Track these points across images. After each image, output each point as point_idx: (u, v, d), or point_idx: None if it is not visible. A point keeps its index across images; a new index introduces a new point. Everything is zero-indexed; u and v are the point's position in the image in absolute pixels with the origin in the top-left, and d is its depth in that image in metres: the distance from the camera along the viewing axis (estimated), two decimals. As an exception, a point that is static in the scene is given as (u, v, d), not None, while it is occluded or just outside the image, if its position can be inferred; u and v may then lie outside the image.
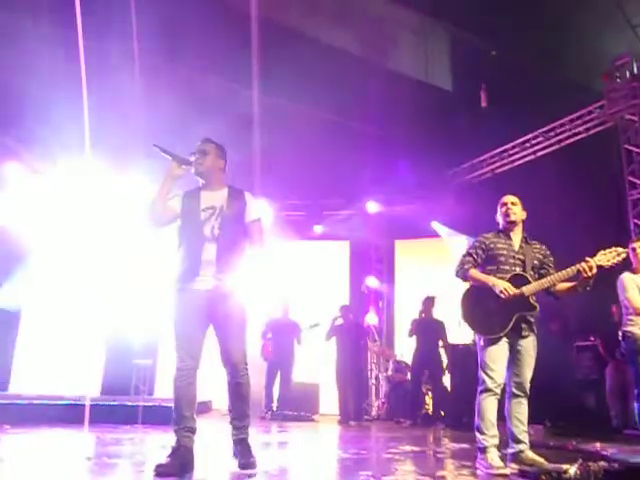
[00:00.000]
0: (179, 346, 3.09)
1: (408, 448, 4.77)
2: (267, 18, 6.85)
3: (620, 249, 3.44)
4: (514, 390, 3.51)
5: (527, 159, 8.83)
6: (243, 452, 3.15)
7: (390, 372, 9.41)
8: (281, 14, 7.00)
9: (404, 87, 7.66)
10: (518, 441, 3.46)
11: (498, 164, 9.28)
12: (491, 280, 3.53)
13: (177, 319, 3.12)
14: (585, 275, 3.32)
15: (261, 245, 3.37)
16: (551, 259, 3.71)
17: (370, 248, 10.95)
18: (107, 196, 9.03)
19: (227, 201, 3.25)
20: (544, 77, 7.52)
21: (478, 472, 3.31)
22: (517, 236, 3.73)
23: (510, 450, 3.48)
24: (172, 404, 3.08)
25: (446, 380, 7.98)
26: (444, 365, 7.85)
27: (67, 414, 5.79)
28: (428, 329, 7.71)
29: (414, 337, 7.88)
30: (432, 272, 9.74)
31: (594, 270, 3.31)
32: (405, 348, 9.25)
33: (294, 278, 10.68)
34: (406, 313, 10.04)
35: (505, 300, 3.46)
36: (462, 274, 3.66)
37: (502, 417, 3.58)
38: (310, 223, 10.93)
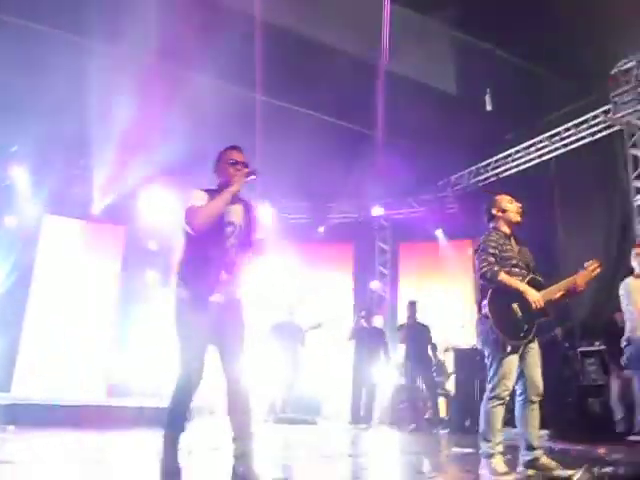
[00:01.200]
0: (190, 363, 2.90)
1: (412, 451, 4.76)
2: (267, 20, 6.87)
3: (592, 266, 3.47)
4: (532, 397, 3.43)
5: (532, 163, 8.81)
6: (247, 466, 2.88)
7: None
8: (282, 16, 7.01)
9: (408, 90, 7.66)
10: (533, 448, 3.40)
11: (503, 168, 9.28)
12: (522, 287, 3.44)
13: (188, 336, 2.91)
14: (578, 289, 3.46)
15: (262, 259, 3.24)
16: (534, 263, 3.68)
17: (374, 252, 10.94)
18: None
19: (243, 219, 3.13)
20: (549, 81, 7.51)
21: (483, 478, 3.26)
22: (512, 239, 3.67)
23: (526, 457, 3.42)
24: (170, 410, 2.92)
25: (450, 384, 7.97)
26: (442, 368, 7.86)
27: (72, 416, 5.80)
28: (415, 334, 7.74)
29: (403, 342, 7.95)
30: (435, 276, 9.74)
31: (582, 288, 3.45)
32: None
33: (298, 281, 10.70)
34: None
35: (528, 306, 3.40)
36: (492, 275, 3.42)
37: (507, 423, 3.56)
38: (314, 226, 10.93)
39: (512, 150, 9.03)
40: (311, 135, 8.27)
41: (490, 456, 3.29)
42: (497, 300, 3.46)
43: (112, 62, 7.46)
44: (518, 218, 3.65)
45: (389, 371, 9.42)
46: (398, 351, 8.32)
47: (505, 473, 3.23)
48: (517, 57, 7.36)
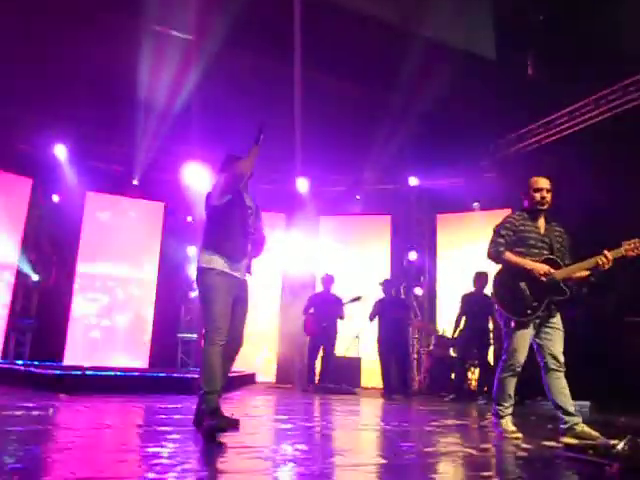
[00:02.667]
0: (220, 323, 3.30)
1: (450, 422, 4.77)
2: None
3: (631, 245, 3.44)
4: (552, 366, 3.54)
5: (575, 129, 8.47)
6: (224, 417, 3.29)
7: (431, 347, 9.38)
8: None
9: (446, 57, 7.45)
10: (570, 414, 3.47)
11: (544, 135, 8.96)
12: (529, 263, 3.59)
13: (217, 301, 3.32)
14: (602, 268, 3.44)
15: (261, 254, 3.70)
16: (567, 244, 3.76)
17: (411, 222, 10.83)
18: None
19: (254, 208, 3.63)
20: (594, 42, 7.17)
21: (492, 434, 3.72)
22: (541, 218, 3.77)
23: (564, 425, 3.50)
24: (205, 371, 3.27)
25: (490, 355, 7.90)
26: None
27: (117, 384, 6.02)
28: (478, 305, 7.59)
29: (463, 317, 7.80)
30: (474, 246, 9.58)
31: (610, 264, 3.43)
32: (446, 323, 9.19)
33: (335, 253, 10.72)
34: (447, 288, 9.96)
35: (538, 283, 3.53)
36: (496, 255, 3.68)
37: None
38: (351, 198, 10.88)
39: (555, 115, 8.69)
40: (347, 105, 8.18)
41: (501, 417, 3.67)
42: (503, 278, 3.72)
43: (155, 42, 7.52)
44: (539, 207, 3.72)
45: (427, 341, 9.42)
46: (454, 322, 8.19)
47: (513, 432, 3.59)
48: (560, 17, 7.04)
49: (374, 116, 8.78)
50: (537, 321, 3.60)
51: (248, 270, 3.57)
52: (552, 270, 3.55)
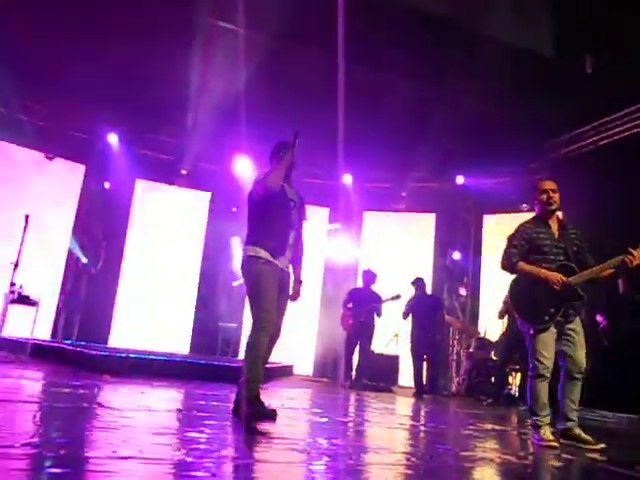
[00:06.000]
0: (268, 313, 3.36)
1: (489, 426, 4.68)
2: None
3: None
4: (572, 372, 3.57)
5: (632, 132, 8.10)
6: (263, 407, 3.37)
7: (472, 349, 9.22)
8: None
9: (500, 54, 7.27)
10: (568, 419, 3.58)
11: (601, 136, 8.62)
12: (542, 272, 3.60)
13: (266, 289, 3.40)
14: (629, 266, 3.39)
15: (303, 242, 3.82)
16: (586, 244, 3.74)
17: (457, 222, 10.65)
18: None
19: (298, 200, 3.72)
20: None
21: (532, 444, 3.60)
22: (555, 223, 3.77)
23: (560, 426, 3.61)
24: (250, 361, 3.33)
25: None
26: None
27: (160, 369, 6.17)
28: None
29: (505, 317, 7.67)
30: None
31: (637, 262, 3.38)
32: (489, 325, 9.02)
33: (378, 249, 10.67)
34: (491, 290, 9.76)
35: (553, 290, 3.53)
36: (510, 267, 3.73)
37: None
38: (396, 194, 10.80)
39: (614, 116, 8.33)
40: (396, 102, 8.09)
41: (538, 427, 3.57)
42: (519, 287, 3.75)
43: (206, 36, 7.64)
44: (548, 208, 3.73)
45: (467, 343, 9.27)
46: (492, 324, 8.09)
47: (550, 440, 3.50)
48: (622, 12, 6.74)
49: (422, 113, 8.66)
50: (556, 327, 3.60)
51: (297, 277, 3.72)
52: (564, 278, 3.53)
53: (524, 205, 9.59)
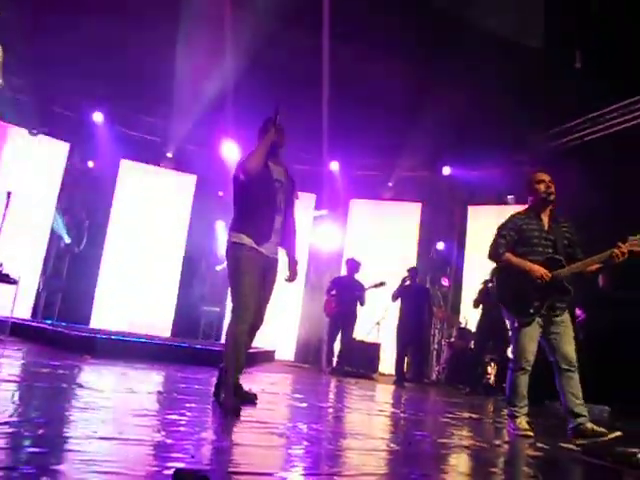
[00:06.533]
0: (246, 302, 3.29)
1: (466, 415, 4.75)
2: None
3: None
4: (562, 365, 3.50)
5: (623, 126, 8.13)
6: (241, 390, 3.48)
7: (453, 338, 9.34)
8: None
9: (488, 44, 7.27)
10: (576, 415, 3.41)
11: (590, 131, 8.66)
12: (527, 265, 3.59)
13: (246, 276, 3.31)
14: (617, 260, 3.34)
15: (294, 220, 3.71)
16: (577, 237, 3.72)
17: (442, 212, 10.70)
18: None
19: (286, 178, 3.59)
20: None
21: (507, 433, 3.65)
22: (546, 216, 3.75)
23: (570, 425, 3.46)
24: (229, 349, 3.31)
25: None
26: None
27: (141, 351, 6.16)
28: (492, 298, 7.53)
29: (479, 306, 7.77)
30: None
31: (626, 256, 3.34)
32: (470, 315, 9.12)
33: (364, 237, 10.70)
34: (474, 281, 9.85)
35: (540, 283, 3.51)
36: (496, 257, 3.69)
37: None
38: (383, 183, 10.80)
39: (604, 110, 8.36)
40: (384, 89, 8.06)
41: (515, 417, 3.60)
42: (504, 278, 3.74)
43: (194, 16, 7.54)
44: (546, 197, 3.69)
45: (448, 332, 9.38)
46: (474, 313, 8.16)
47: (526, 430, 3.53)
48: (612, 9, 6.78)
49: (410, 102, 8.65)
50: (541, 320, 3.57)
51: (292, 258, 3.63)
52: (549, 272, 3.51)
53: (510, 197, 9.67)
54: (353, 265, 8.45)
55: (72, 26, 7.53)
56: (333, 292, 8.30)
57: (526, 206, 3.87)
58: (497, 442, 3.37)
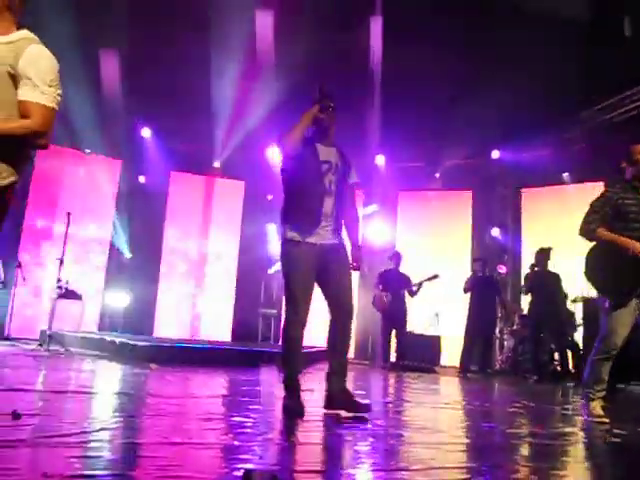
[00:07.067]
0: (299, 299, 3.08)
1: (535, 403, 4.62)
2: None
3: None
4: None
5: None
6: (350, 399, 3.13)
7: (515, 326, 9.09)
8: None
9: (533, 23, 7.04)
10: None
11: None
12: (622, 241, 3.34)
13: (294, 274, 3.10)
14: None
15: (355, 206, 3.50)
16: None
17: (494, 198, 10.43)
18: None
19: (339, 159, 3.31)
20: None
21: (581, 417, 3.53)
22: None
23: None
24: (283, 348, 3.18)
25: (578, 335, 7.56)
26: (571, 319, 7.44)
27: (203, 356, 6.30)
28: (544, 283, 7.30)
29: (529, 292, 7.57)
30: (562, 222, 9.10)
31: None
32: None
33: (415, 229, 10.57)
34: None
35: (637, 261, 3.27)
36: (588, 234, 3.48)
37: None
38: (430, 173, 10.64)
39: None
40: (429, 75, 7.94)
41: (590, 400, 3.45)
42: (597, 256, 3.47)
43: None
44: None
45: (511, 320, 9.14)
46: (526, 300, 7.96)
47: (601, 416, 3.37)
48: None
49: (455, 89, 8.48)
50: (637, 303, 3.33)
51: (355, 243, 3.35)
52: None
53: (565, 175, 9.31)
54: (397, 257, 8.41)
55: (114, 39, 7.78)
56: (380, 287, 8.26)
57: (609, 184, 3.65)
58: (569, 430, 3.25)
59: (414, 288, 8.12)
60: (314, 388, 3.79)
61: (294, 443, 2.44)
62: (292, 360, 3.16)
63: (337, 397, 3.13)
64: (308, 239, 3.11)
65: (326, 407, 3.16)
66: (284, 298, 3.24)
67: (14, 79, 1.96)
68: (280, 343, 3.28)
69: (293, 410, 3.02)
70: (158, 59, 8.03)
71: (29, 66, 1.97)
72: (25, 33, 2.04)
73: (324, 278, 3.16)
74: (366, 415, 3.04)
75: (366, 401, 3.27)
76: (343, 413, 3.08)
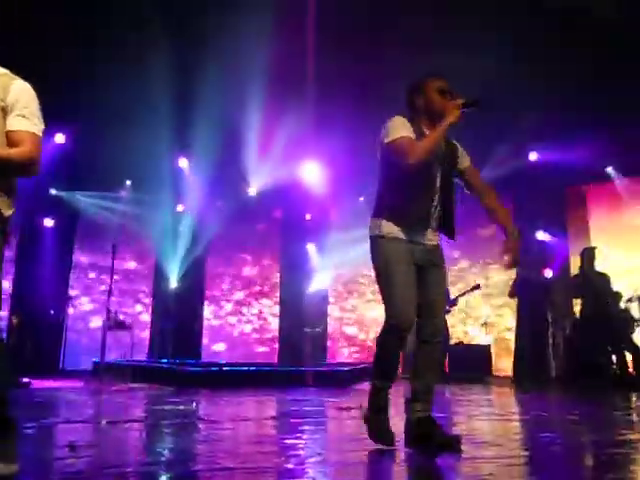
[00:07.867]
0: (397, 303, 2.60)
1: (593, 411, 4.44)
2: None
3: None
4: None
5: None
6: (435, 431, 2.59)
7: (568, 331, 8.79)
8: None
9: (562, 19, 6.91)
10: None
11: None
12: None
13: (395, 273, 2.63)
14: None
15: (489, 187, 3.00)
16: None
17: (536, 200, 10.13)
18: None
19: (446, 148, 2.81)
20: None
21: None
22: None
23: None
24: (379, 358, 2.75)
25: (637, 337, 7.26)
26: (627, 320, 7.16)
27: (252, 379, 6.33)
28: (592, 285, 7.03)
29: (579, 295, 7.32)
30: (612, 221, 8.81)
31: None
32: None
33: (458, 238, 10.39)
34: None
35: None
36: None
37: None
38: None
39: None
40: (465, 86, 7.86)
41: None
42: None
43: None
44: None
45: (560, 325, 8.85)
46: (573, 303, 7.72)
47: None
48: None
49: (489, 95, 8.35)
50: None
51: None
52: None
53: (609, 168, 9.00)
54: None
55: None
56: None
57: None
58: (635, 437, 3.10)
59: (453, 300, 7.93)
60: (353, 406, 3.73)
61: (350, 462, 2.40)
62: (381, 369, 2.76)
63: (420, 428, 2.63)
64: (414, 238, 2.70)
65: (408, 444, 2.63)
66: (384, 304, 2.67)
67: (4, 112, 2.03)
68: (374, 356, 2.80)
69: (378, 435, 2.70)
70: (188, 83, 8.14)
71: (20, 100, 2.05)
72: (3, 70, 2.13)
73: (422, 281, 2.72)
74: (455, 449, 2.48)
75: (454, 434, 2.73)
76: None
